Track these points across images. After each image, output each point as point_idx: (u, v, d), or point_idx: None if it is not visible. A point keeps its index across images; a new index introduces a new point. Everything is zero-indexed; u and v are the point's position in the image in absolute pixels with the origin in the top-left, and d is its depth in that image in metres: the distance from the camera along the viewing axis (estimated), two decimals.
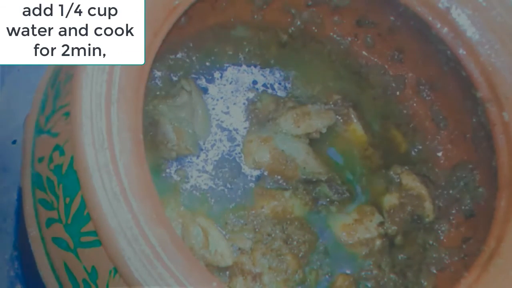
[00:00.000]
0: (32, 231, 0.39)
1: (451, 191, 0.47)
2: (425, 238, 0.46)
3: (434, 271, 0.45)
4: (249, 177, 0.45)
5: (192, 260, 0.33)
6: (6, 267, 0.48)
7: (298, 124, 0.46)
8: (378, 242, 0.45)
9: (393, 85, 0.51)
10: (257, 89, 0.48)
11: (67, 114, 0.37)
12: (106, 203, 0.31)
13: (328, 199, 0.46)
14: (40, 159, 0.38)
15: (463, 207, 0.46)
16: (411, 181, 0.46)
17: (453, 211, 0.46)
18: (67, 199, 0.36)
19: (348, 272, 0.44)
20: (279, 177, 0.45)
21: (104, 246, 0.32)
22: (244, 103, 0.47)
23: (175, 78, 0.46)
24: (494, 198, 0.41)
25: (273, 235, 0.43)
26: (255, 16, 0.49)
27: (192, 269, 0.32)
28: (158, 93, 0.45)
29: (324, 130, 0.47)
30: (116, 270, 0.32)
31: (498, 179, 0.42)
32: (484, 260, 0.38)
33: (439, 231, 0.46)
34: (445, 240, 0.46)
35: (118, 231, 0.31)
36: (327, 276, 0.43)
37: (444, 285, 0.44)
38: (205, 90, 0.47)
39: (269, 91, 0.49)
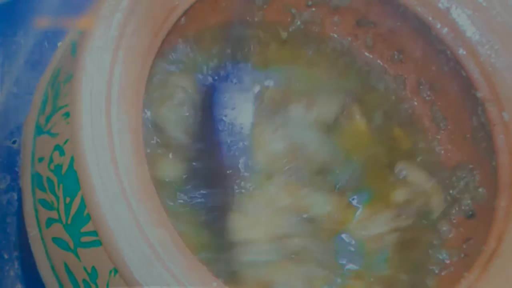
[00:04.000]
0: (32, 231, 0.39)
1: (451, 191, 0.47)
2: (429, 238, 0.46)
3: (436, 271, 0.45)
4: (259, 170, 0.45)
5: (192, 260, 0.33)
6: (6, 267, 0.48)
7: (311, 107, 0.45)
8: (387, 239, 0.45)
9: (393, 85, 0.51)
10: (260, 85, 0.48)
11: (67, 114, 0.37)
12: (106, 203, 0.31)
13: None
14: (40, 159, 0.38)
15: (463, 207, 0.46)
16: (417, 177, 0.46)
17: (453, 211, 0.46)
18: (67, 199, 0.36)
19: (356, 267, 0.44)
20: (291, 166, 0.45)
21: (104, 246, 0.32)
22: (249, 99, 0.47)
23: (173, 77, 0.46)
24: (494, 198, 0.41)
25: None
26: (255, 16, 0.49)
27: (192, 269, 0.32)
28: (155, 94, 0.45)
29: (335, 115, 0.47)
30: (116, 270, 0.32)
31: (498, 179, 0.42)
32: (484, 260, 0.38)
33: (440, 231, 0.46)
34: (445, 240, 0.46)
35: (118, 231, 0.31)
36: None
37: (444, 285, 0.44)
38: (208, 88, 0.47)
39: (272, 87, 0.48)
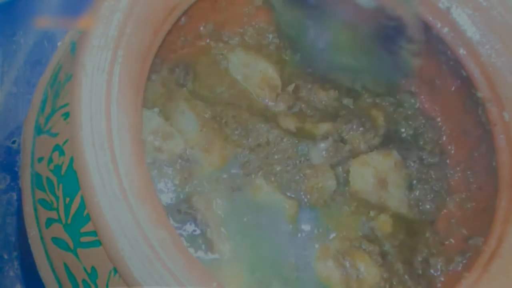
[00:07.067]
0: (32, 231, 0.39)
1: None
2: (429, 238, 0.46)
3: (436, 272, 0.45)
4: None
5: (192, 261, 0.33)
6: (6, 267, 0.48)
7: None
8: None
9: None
10: None
11: (67, 114, 0.37)
12: (106, 204, 0.31)
13: None
14: (40, 159, 0.38)
15: (463, 208, 0.46)
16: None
17: (454, 212, 0.46)
18: (67, 199, 0.36)
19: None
20: None
21: (104, 246, 0.32)
22: None
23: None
24: (494, 198, 0.41)
25: None
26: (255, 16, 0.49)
27: (192, 269, 0.32)
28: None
29: None
30: (116, 270, 0.32)
31: (498, 179, 0.42)
32: (485, 260, 0.38)
33: (440, 232, 0.46)
34: (445, 241, 0.46)
35: (118, 231, 0.31)
36: None
37: (444, 285, 0.44)
38: None
39: None
